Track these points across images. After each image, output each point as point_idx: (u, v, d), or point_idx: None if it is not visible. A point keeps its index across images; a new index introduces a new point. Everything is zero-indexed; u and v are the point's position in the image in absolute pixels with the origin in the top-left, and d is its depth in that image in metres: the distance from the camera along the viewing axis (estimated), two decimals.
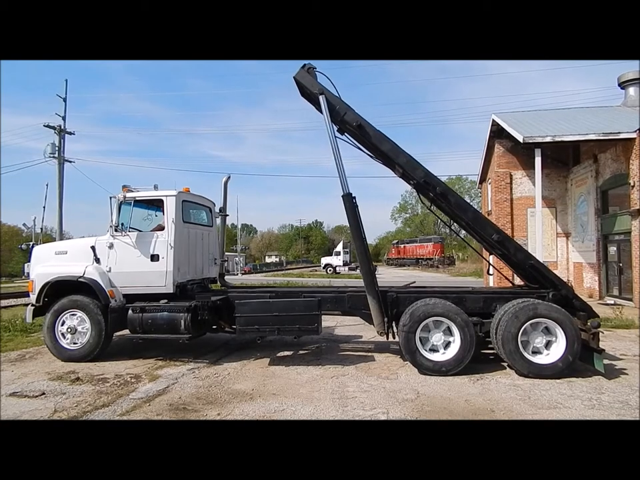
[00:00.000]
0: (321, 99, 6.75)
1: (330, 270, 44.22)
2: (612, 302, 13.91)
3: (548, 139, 14.36)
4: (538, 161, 14.29)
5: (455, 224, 8.62)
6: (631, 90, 18.63)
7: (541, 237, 14.33)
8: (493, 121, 17.79)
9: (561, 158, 17.68)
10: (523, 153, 16.89)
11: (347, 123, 6.95)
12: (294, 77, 7.09)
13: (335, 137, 6.86)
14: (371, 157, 7.59)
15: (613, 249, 15.05)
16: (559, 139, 14.41)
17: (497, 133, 18.04)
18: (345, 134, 7.33)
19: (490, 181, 19.92)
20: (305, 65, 6.97)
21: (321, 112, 6.84)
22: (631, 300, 13.34)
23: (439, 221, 74.62)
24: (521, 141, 14.45)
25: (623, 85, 18.95)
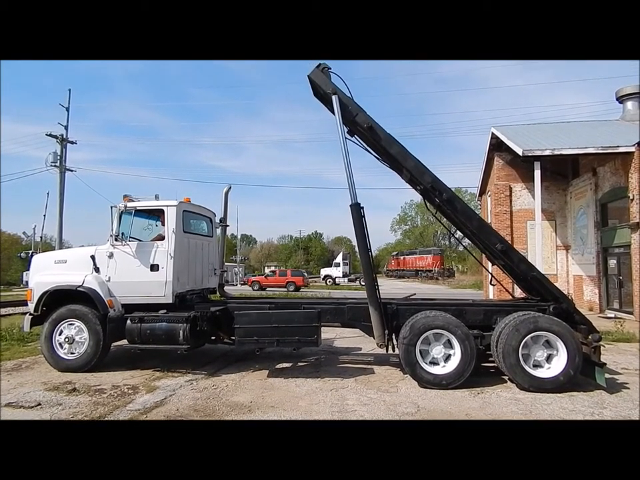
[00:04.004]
0: (334, 99, 6.78)
1: (329, 281, 44.15)
2: (612, 315, 13.86)
3: (547, 152, 14.46)
4: (537, 173, 14.37)
5: (458, 232, 8.62)
6: (629, 104, 18.82)
7: (540, 250, 14.34)
8: (493, 133, 17.92)
9: (560, 171, 17.78)
10: (522, 165, 16.98)
11: (358, 125, 6.98)
12: (308, 76, 7.15)
13: (345, 138, 6.89)
14: (378, 159, 7.63)
15: (612, 262, 15.04)
16: (558, 152, 14.51)
17: (497, 145, 18.16)
18: (355, 136, 7.38)
19: (489, 193, 20.00)
20: (319, 64, 7.02)
21: (333, 112, 6.87)
22: (631, 313, 13.30)
23: (439, 232, 75.00)
24: (521, 154, 14.54)
25: (621, 99, 19.16)
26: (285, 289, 33.56)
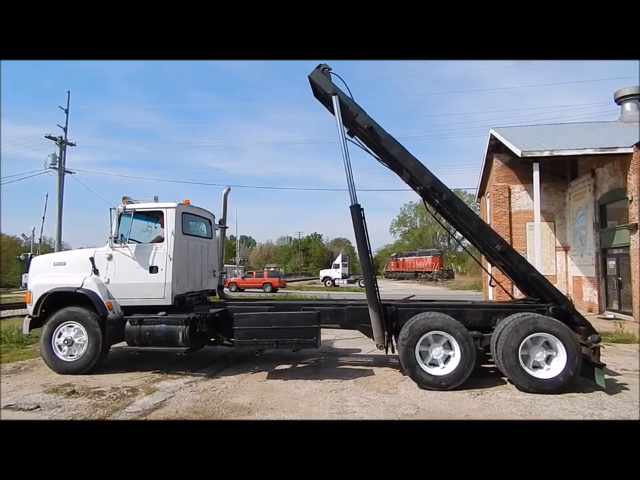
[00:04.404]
0: (334, 99, 6.79)
1: (329, 283, 44.12)
2: (612, 316, 13.86)
3: (546, 154, 14.47)
4: (536, 175, 14.37)
5: (458, 233, 8.63)
6: (627, 105, 18.87)
7: (539, 251, 14.34)
8: (492, 135, 17.93)
9: (559, 172, 17.80)
10: (521, 167, 17.00)
11: (358, 125, 6.99)
12: (309, 76, 7.16)
13: (345, 138, 6.90)
14: (378, 159, 7.64)
15: (612, 263, 15.05)
16: (557, 154, 14.53)
17: (495, 147, 18.18)
18: (355, 137, 7.39)
19: (488, 194, 20.02)
20: (320, 65, 7.04)
21: (333, 113, 6.87)
22: (630, 314, 13.30)
23: (438, 234, 74.95)
24: (519, 155, 14.55)
25: (619, 100, 19.20)
26: (262, 290, 34.29)
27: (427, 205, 7.78)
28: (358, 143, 7.43)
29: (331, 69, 7.07)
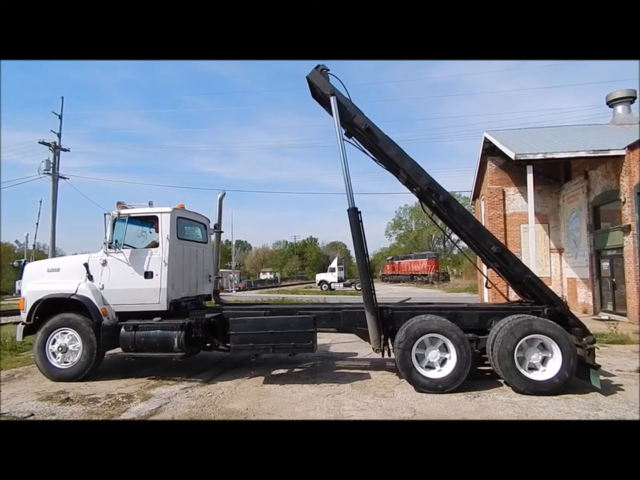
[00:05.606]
0: (332, 100, 6.80)
1: (325, 286, 44.10)
2: (606, 317, 13.94)
3: (539, 156, 14.57)
4: (530, 177, 14.46)
5: (454, 234, 8.65)
6: (619, 108, 19.07)
7: (534, 253, 14.40)
8: (485, 138, 18.04)
9: (553, 174, 17.94)
10: (515, 169, 17.11)
11: (356, 126, 7.00)
12: (307, 77, 7.16)
13: (343, 139, 6.91)
14: (375, 160, 7.64)
15: (605, 265, 15.15)
16: (550, 156, 14.63)
17: (489, 150, 18.29)
18: (352, 137, 7.40)
19: (483, 197, 20.12)
20: (318, 65, 7.05)
21: (331, 114, 6.87)
22: (625, 315, 13.38)
23: (433, 236, 75.13)
24: (513, 158, 14.64)
25: (611, 103, 19.39)
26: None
27: (424, 206, 7.80)
28: (355, 144, 7.44)
29: (329, 70, 7.07)
